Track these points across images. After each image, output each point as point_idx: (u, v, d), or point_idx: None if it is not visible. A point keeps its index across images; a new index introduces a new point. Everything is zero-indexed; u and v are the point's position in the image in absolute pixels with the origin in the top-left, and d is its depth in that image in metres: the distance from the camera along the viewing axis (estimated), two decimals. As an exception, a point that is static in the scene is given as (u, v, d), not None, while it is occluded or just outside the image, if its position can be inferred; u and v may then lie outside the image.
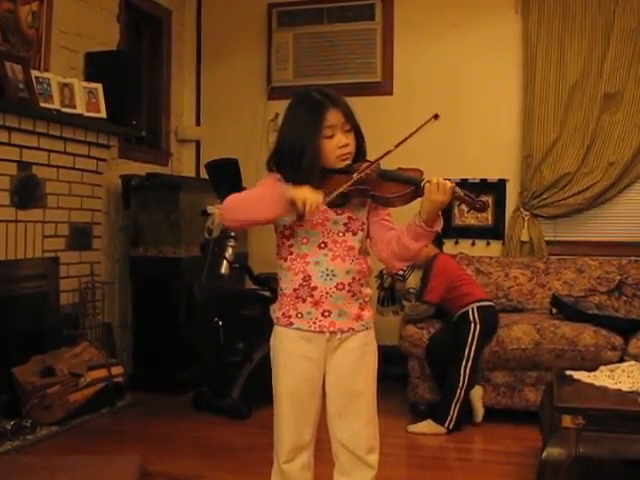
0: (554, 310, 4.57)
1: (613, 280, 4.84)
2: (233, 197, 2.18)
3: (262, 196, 2.11)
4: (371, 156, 2.21)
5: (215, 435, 4.05)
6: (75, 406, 4.09)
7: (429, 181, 2.06)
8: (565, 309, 4.48)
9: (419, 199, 2.11)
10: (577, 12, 5.13)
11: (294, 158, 2.14)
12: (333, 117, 2.14)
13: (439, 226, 2.11)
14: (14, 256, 4.10)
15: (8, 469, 3.33)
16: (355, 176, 2.10)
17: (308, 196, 2.01)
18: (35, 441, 3.79)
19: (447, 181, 2.05)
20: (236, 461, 3.63)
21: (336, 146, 2.15)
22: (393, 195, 2.12)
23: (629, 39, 5.04)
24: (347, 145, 2.17)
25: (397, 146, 2.10)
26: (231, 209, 2.16)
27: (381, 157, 2.13)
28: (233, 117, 5.83)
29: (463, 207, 2.11)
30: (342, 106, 2.17)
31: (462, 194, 2.07)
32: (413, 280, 4.72)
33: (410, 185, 2.11)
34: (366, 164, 2.14)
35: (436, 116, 2.13)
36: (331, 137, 2.15)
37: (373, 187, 2.13)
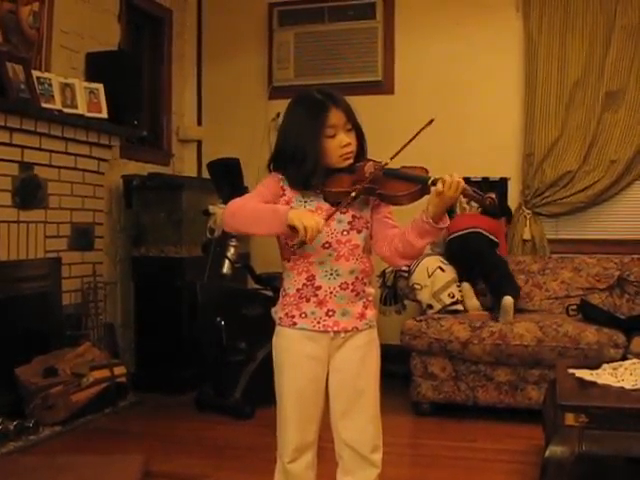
0: (571, 312, 4.53)
1: (612, 276, 4.83)
2: (237, 205, 2.16)
3: (265, 213, 2.10)
4: (372, 155, 2.21)
5: (218, 435, 4.05)
6: (78, 406, 4.09)
7: (437, 178, 2.06)
8: (595, 313, 4.42)
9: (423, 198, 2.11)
10: (578, 10, 5.13)
11: (296, 159, 2.13)
12: (335, 117, 2.14)
13: (445, 223, 2.11)
14: (16, 257, 4.10)
15: (11, 469, 3.33)
16: (353, 195, 2.09)
17: (308, 223, 2.01)
18: (38, 441, 3.79)
19: (457, 178, 2.05)
20: (239, 460, 3.63)
21: (338, 146, 2.15)
22: (401, 193, 2.12)
23: (631, 37, 5.03)
24: (349, 144, 2.16)
25: (393, 158, 2.11)
26: (234, 218, 2.15)
27: (381, 168, 2.12)
28: (234, 117, 5.83)
29: (472, 204, 2.12)
30: (344, 105, 2.16)
31: (471, 191, 2.07)
32: (418, 275, 4.70)
33: (417, 183, 2.11)
34: (370, 163, 2.15)
35: (431, 121, 2.12)
36: (333, 137, 2.14)
37: (380, 185, 2.13)
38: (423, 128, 2.11)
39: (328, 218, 2.09)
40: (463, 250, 4.71)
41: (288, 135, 2.18)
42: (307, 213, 2.07)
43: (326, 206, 2.14)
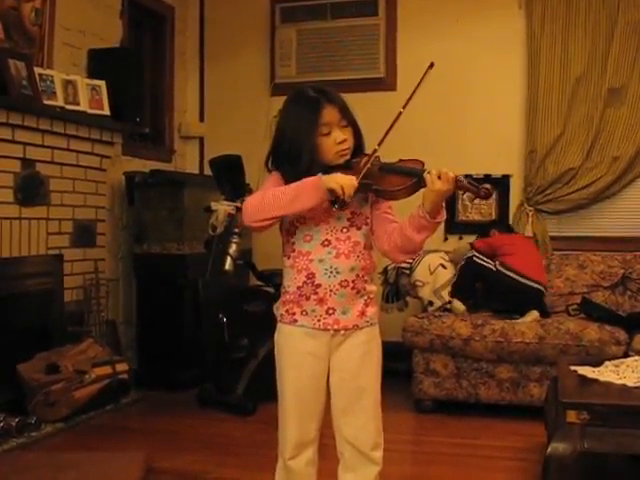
0: (572, 312, 4.52)
1: (617, 274, 4.82)
2: (257, 198, 2.14)
3: (297, 189, 2.08)
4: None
5: (220, 431, 4.06)
6: (80, 403, 4.09)
7: (431, 171, 2.05)
8: (597, 310, 4.43)
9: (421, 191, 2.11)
10: (581, 6, 5.11)
11: (292, 157, 2.13)
12: (329, 114, 2.13)
13: (442, 217, 2.10)
14: (18, 253, 4.11)
15: (13, 466, 3.33)
16: (373, 154, 2.10)
17: (344, 182, 2.04)
18: (40, 438, 3.80)
19: (449, 171, 2.05)
20: (241, 457, 3.63)
21: (334, 143, 2.14)
22: (396, 188, 2.11)
23: (633, 33, 5.02)
24: (345, 141, 2.16)
25: (404, 106, 2.11)
26: (260, 209, 2.11)
27: (392, 124, 2.12)
28: (236, 114, 5.83)
29: (468, 196, 2.10)
30: (338, 102, 2.16)
31: (465, 182, 2.06)
32: (420, 272, 4.69)
33: (412, 177, 2.10)
34: (366, 158, 2.14)
35: (431, 65, 2.11)
36: (328, 134, 2.14)
37: (376, 181, 2.13)
38: (425, 74, 2.11)
39: (359, 177, 2.08)
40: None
41: (284, 133, 2.18)
42: (339, 175, 2.07)
43: (325, 203, 2.13)
